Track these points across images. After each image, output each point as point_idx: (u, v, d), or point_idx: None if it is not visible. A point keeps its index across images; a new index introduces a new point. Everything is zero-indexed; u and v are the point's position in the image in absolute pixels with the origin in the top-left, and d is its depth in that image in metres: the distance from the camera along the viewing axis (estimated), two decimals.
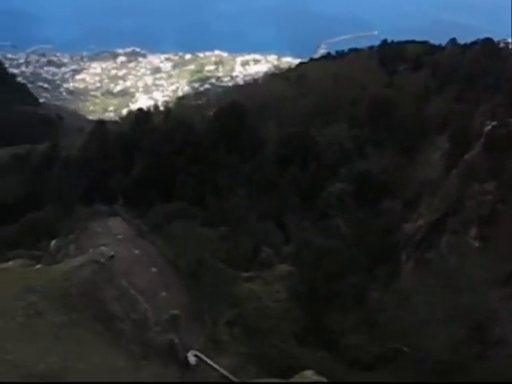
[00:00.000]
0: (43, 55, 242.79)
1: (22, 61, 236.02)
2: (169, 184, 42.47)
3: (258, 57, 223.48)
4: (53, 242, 33.51)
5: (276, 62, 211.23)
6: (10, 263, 28.50)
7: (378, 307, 22.41)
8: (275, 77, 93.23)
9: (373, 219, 34.19)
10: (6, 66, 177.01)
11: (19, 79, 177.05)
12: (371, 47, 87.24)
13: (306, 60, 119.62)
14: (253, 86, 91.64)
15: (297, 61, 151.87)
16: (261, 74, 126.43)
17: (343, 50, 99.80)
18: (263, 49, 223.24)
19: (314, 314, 22.77)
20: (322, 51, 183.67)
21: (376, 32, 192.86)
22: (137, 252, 27.52)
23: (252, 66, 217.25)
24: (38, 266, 26.51)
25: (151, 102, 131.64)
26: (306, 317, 22.92)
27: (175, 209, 33.89)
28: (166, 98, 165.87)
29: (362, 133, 48.78)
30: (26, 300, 13.81)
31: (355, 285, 23.39)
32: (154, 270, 25.59)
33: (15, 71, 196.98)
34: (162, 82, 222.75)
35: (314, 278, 23.39)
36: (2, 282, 11.98)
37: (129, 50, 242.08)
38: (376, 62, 70.86)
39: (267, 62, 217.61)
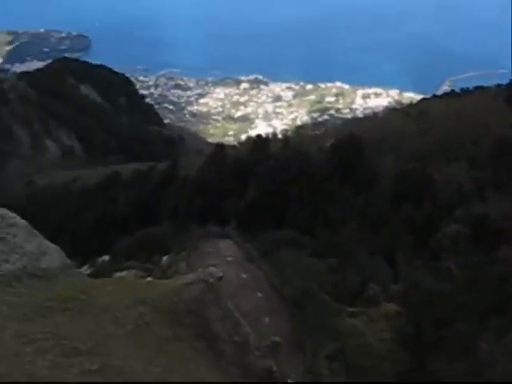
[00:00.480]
0: (171, 79, 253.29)
1: (151, 83, 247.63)
2: (281, 211, 42.67)
3: (379, 90, 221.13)
4: (165, 258, 34.71)
5: (397, 97, 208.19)
6: (125, 273, 29.92)
7: (487, 359, 21.26)
8: (396, 111, 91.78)
9: (488, 265, 32.55)
10: (138, 87, 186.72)
11: (148, 100, 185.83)
12: (498, 85, 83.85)
13: (428, 96, 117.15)
14: (372, 119, 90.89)
15: (419, 96, 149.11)
16: (381, 108, 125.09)
17: (468, 88, 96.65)
18: (385, 83, 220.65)
19: (419, 358, 21.97)
20: (445, 88, 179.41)
21: (504, 70, 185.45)
22: (244, 276, 27.81)
23: (372, 100, 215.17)
24: (149, 279, 27.48)
25: (270, 129, 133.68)
26: (409, 359, 22.13)
27: (285, 236, 33.95)
28: (285, 127, 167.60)
29: (482, 174, 46.62)
30: (136, 310, 14.34)
31: (465, 332, 22.30)
32: (260, 295, 25.74)
33: (145, 93, 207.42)
34: (282, 110, 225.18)
35: (422, 320, 22.57)
36: (116, 291, 12.54)
37: (252, 77, 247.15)
38: (503, 101, 68.06)
39: (388, 96, 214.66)
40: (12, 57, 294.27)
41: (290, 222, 40.41)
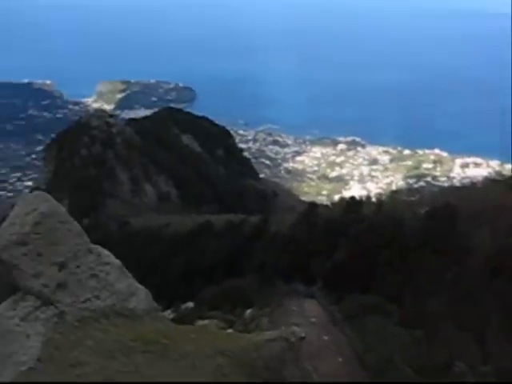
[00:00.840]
0: (270, 134, 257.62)
1: (250, 137, 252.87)
2: (369, 275, 41.80)
3: (478, 160, 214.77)
4: (248, 311, 34.64)
5: (498, 168, 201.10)
6: (207, 322, 30.06)
7: None
8: (496, 183, 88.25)
9: None
10: (237, 140, 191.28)
11: (246, 154, 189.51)
12: None
13: None
14: (470, 189, 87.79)
15: None
16: (480, 178, 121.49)
17: None
18: (486, 152, 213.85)
19: None
20: None
21: None
22: (326, 338, 27.28)
23: (471, 169, 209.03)
24: (230, 331, 27.46)
25: (364, 192, 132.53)
26: None
27: (372, 302, 33.18)
28: (380, 190, 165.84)
29: None
30: (215, 361, 14.28)
31: None
32: (340, 359, 25.10)
33: (244, 146, 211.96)
34: (378, 173, 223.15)
35: None
36: (198, 339, 12.62)
37: (349, 138, 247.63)
38: None
39: (488, 166, 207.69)
40: (123, 104, 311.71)
41: (378, 288, 39.47)
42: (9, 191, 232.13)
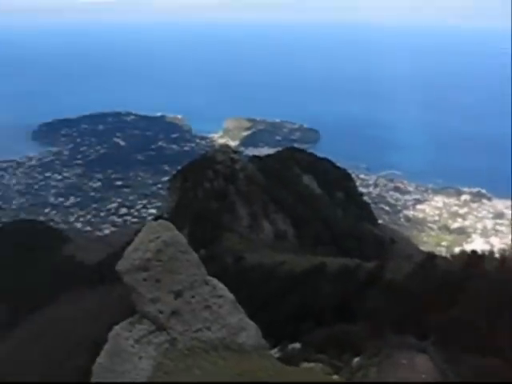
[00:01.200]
0: (391, 181, 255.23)
1: (371, 182, 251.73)
2: (488, 336, 39.58)
3: None
4: (356, 359, 33.76)
5: None
6: (313, 365, 29.73)
7: None
8: None
9: None
10: (357, 184, 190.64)
11: (365, 198, 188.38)
12: None
13: None
14: None
15: None
16: None
17: None
18: None
19: None
20: None
21: None
22: None
23: None
24: (336, 377, 27.02)
25: (487, 247, 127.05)
26: None
27: (488, 364, 31.31)
28: (504, 246, 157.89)
29: None
30: None
31: None
32: None
33: (364, 190, 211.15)
34: (503, 228, 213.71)
35: None
36: (304, 382, 12.58)
37: (474, 190, 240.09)
38: None
39: None
40: (247, 141, 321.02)
41: (497, 349, 37.30)
42: (133, 217, 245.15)
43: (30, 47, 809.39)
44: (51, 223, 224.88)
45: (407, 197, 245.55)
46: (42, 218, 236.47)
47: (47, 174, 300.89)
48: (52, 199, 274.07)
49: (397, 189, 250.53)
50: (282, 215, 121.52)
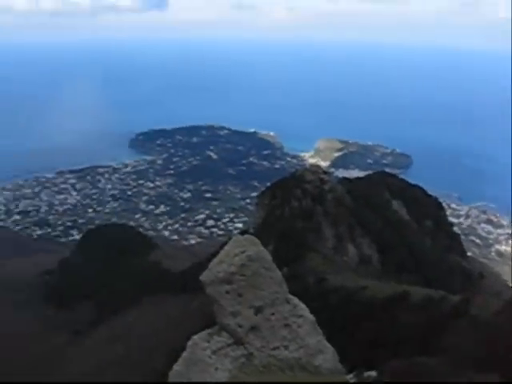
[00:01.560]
0: (484, 212, 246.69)
1: (462, 213, 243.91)
2: None
3: None
4: None
5: None
6: None
7: None
8: None
9: None
10: (448, 214, 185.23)
11: (455, 229, 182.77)
12: None
13: None
14: None
15: None
16: None
17: None
18: None
19: None
20: None
21: None
22: None
23: None
24: None
25: None
26: None
27: None
28: None
29: None
30: None
31: None
32: None
33: (454, 221, 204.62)
34: None
35: None
36: None
37: None
38: None
39: None
40: (338, 163, 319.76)
41: None
42: (220, 229, 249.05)
43: (149, 60, 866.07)
44: (141, 229, 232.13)
45: (500, 231, 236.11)
46: (132, 223, 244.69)
47: (140, 182, 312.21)
48: (143, 206, 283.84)
49: (489, 221, 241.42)
50: (367, 239, 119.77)
